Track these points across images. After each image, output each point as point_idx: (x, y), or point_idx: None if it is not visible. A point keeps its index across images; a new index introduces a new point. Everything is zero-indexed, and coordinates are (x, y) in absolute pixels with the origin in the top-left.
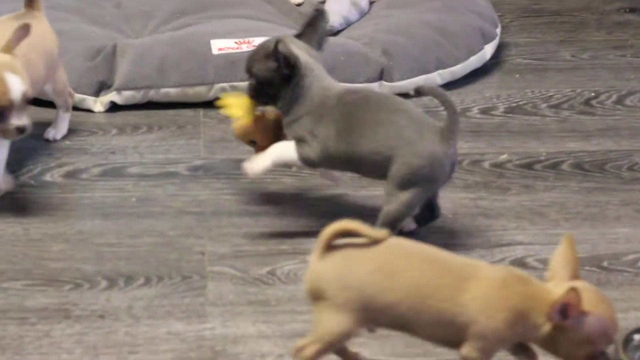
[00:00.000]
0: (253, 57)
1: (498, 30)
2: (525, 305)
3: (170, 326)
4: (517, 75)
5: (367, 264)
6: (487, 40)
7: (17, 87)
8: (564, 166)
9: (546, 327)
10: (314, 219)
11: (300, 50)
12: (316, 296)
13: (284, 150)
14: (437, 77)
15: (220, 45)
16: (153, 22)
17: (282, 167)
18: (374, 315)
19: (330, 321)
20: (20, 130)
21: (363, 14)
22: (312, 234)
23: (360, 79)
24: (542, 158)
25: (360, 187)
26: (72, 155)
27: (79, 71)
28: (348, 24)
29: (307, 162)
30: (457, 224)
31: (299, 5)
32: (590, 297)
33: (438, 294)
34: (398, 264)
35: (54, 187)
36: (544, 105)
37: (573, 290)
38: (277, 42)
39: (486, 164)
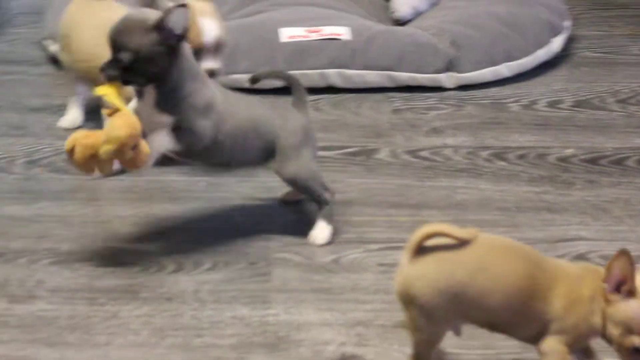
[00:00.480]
0: (128, 29)
1: (567, 23)
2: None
3: (235, 311)
4: (586, 69)
5: (465, 266)
6: (556, 33)
7: (211, 30)
8: (630, 162)
9: (601, 306)
10: (379, 209)
11: None
12: (408, 301)
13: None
14: (505, 69)
15: (289, 33)
16: (224, 8)
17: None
18: (469, 316)
19: (427, 327)
20: (211, 73)
21: (432, 4)
22: (377, 223)
23: (429, 69)
24: (608, 153)
25: (425, 177)
26: None
27: None
28: (417, 14)
29: (197, 141)
30: (521, 217)
31: None
32: None
33: (535, 294)
34: (498, 264)
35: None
36: (612, 99)
37: (631, 264)
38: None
39: (552, 158)
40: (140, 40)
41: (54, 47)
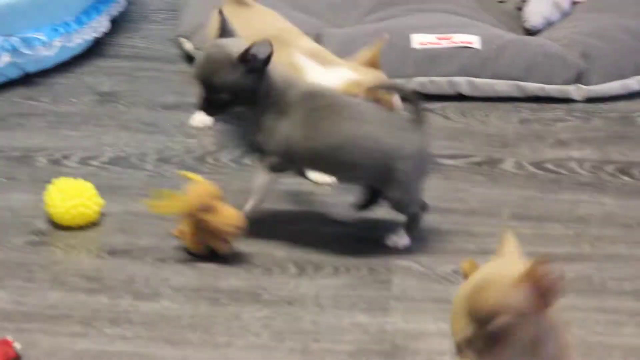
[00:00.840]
0: (218, 69)
1: None
2: None
3: (354, 317)
4: None
5: None
6: None
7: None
8: None
9: None
10: (501, 219)
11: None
12: None
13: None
14: (635, 83)
15: (421, 40)
16: (357, 11)
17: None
18: None
19: None
20: None
21: (564, 15)
22: (499, 234)
23: (557, 80)
24: None
25: (548, 190)
26: None
27: None
28: (549, 24)
29: (271, 159)
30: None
31: (501, 2)
32: None
33: None
34: None
35: (253, 171)
36: None
37: None
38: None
39: None
40: (233, 76)
41: (189, 45)
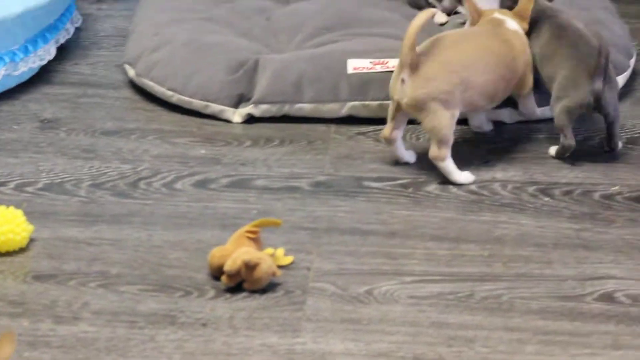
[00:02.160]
0: None
1: (632, 61)
2: None
3: (265, 338)
4: None
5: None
6: (619, 71)
7: None
8: None
9: None
10: (420, 241)
11: None
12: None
13: None
14: None
15: (355, 65)
16: (299, 36)
17: None
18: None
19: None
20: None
21: None
22: (416, 255)
23: None
24: None
25: (469, 211)
26: (205, 164)
27: (221, 83)
28: None
29: None
30: (555, 254)
31: (442, 25)
32: None
33: None
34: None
35: (183, 196)
36: None
37: None
38: None
39: (597, 195)
40: None
41: (132, 72)
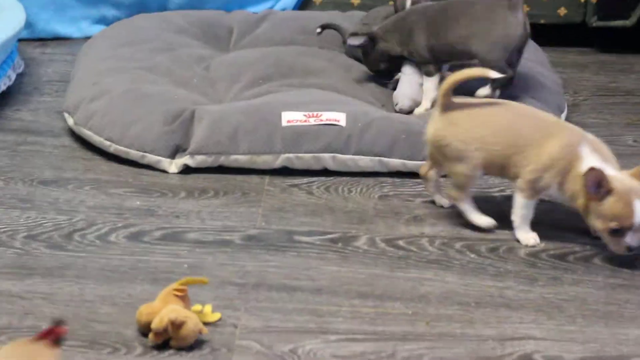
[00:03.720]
0: None
1: (563, 115)
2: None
3: None
4: None
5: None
6: None
7: None
8: (596, 259)
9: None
10: (346, 298)
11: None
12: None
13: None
14: None
15: (289, 117)
16: (237, 86)
17: None
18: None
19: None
20: (630, 249)
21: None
22: (341, 313)
23: (419, 157)
24: (577, 249)
25: (397, 267)
26: (139, 216)
27: (157, 134)
28: (416, 106)
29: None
30: (478, 313)
31: (385, 84)
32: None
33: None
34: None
35: (116, 249)
36: None
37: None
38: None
39: (522, 252)
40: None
41: (71, 121)
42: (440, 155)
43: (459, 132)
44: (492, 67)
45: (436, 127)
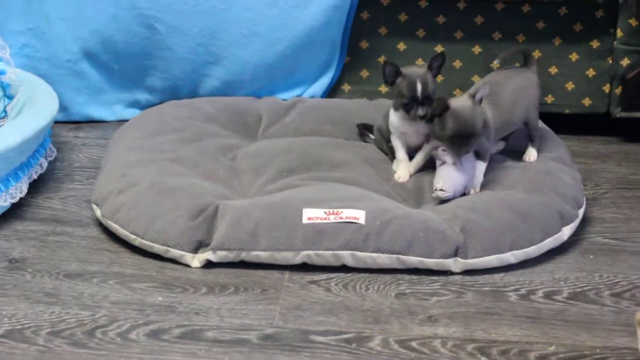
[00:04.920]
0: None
1: (581, 211)
2: None
3: None
4: (591, 257)
5: None
6: (566, 222)
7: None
8: None
9: None
10: None
11: None
12: None
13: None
14: (511, 257)
15: (310, 215)
16: (261, 179)
17: None
18: None
19: None
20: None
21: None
22: None
23: (436, 255)
24: (587, 353)
25: None
26: (160, 312)
27: (181, 229)
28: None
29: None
30: None
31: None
32: None
33: None
34: None
35: (136, 347)
36: (607, 292)
37: None
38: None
39: (532, 355)
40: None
41: (98, 213)
42: None
43: None
44: None
45: None
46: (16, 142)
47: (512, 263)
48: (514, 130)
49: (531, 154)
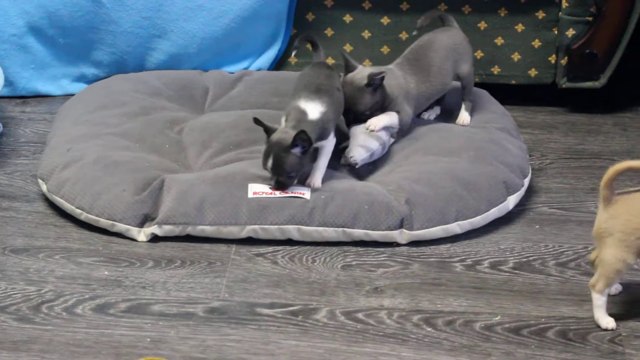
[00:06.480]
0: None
1: (526, 180)
2: None
3: None
4: (537, 227)
5: None
6: (511, 192)
7: None
8: (550, 333)
9: None
10: None
11: None
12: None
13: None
14: (457, 228)
15: (255, 189)
16: (207, 152)
17: None
18: None
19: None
20: None
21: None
22: None
23: (382, 227)
24: (532, 322)
25: (353, 342)
26: (107, 287)
27: (127, 203)
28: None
29: None
30: None
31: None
32: None
33: None
34: None
35: (82, 321)
36: (552, 262)
37: None
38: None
39: (478, 325)
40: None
41: (44, 187)
42: (599, 245)
43: (620, 223)
44: None
45: (599, 219)
46: None
47: (457, 233)
48: (447, 90)
49: (464, 118)
